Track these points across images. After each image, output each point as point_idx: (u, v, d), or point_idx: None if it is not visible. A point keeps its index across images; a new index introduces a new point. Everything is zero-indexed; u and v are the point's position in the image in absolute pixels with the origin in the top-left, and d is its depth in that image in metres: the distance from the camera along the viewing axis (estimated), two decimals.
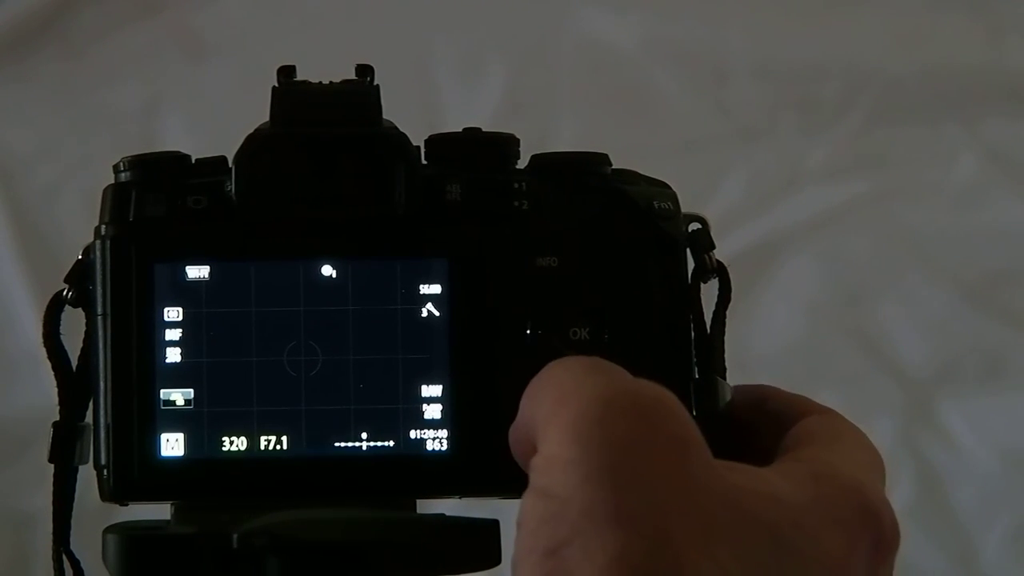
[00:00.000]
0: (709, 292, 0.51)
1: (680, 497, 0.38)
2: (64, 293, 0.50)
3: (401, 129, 0.50)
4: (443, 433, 0.49)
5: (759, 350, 1.11)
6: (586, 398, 0.40)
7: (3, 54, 1.20)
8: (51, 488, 0.51)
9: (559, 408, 0.41)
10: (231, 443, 0.49)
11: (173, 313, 0.49)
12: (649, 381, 0.41)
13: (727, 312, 0.51)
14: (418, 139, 0.50)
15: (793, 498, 0.40)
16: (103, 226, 0.49)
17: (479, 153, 0.50)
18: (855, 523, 0.41)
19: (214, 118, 1.10)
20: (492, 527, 0.47)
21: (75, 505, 0.51)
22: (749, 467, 0.41)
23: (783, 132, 1.20)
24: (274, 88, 0.49)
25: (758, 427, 0.47)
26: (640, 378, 0.42)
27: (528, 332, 0.49)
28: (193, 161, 0.50)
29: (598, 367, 0.42)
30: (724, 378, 0.50)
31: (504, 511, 0.48)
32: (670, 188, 0.51)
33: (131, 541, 0.47)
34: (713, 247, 0.51)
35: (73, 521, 0.51)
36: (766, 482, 0.41)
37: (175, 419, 0.49)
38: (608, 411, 0.40)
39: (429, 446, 0.49)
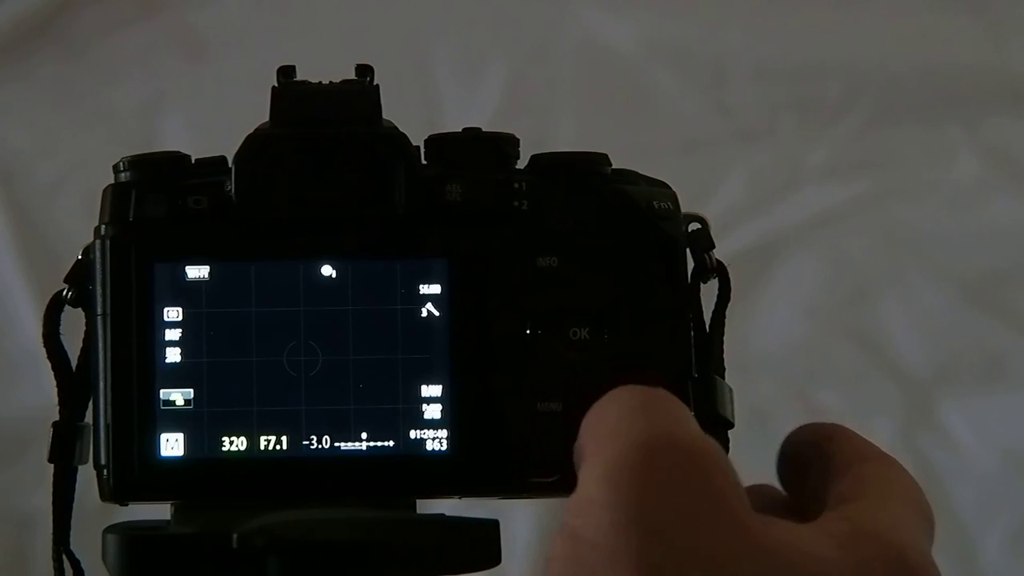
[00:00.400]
0: (709, 292, 0.51)
1: (705, 555, 0.38)
2: (64, 293, 0.50)
3: (401, 129, 0.50)
4: (443, 433, 0.49)
5: (759, 350, 1.11)
6: (628, 442, 0.40)
7: (3, 54, 1.20)
8: (51, 488, 0.51)
9: (601, 447, 0.41)
10: (231, 443, 0.49)
11: (173, 313, 0.49)
12: (698, 430, 0.41)
13: (727, 312, 0.51)
14: (418, 139, 0.50)
15: (833, 566, 0.40)
16: (103, 226, 0.49)
17: (479, 153, 0.50)
18: None
19: (214, 118, 1.10)
20: (492, 527, 0.47)
21: (75, 505, 0.51)
22: (789, 524, 0.41)
23: (783, 132, 1.20)
24: (274, 88, 0.49)
25: (815, 465, 0.46)
26: (691, 424, 0.42)
27: (528, 332, 0.49)
28: (193, 161, 0.50)
29: (649, 406, 0.42)
30: (723, 378, 0.50)
31: (504, 511, 0.48)
32: (670, 188, 0.51)
33: (131, 541, 0.47)
34: (713, 247, 0.51)
35: (73, 521, 0.51)
36: (804, 542, 0.40)
37: (175, 419, 0.49)
38: (646, 459, 0.40)
39: (429, 446, 0.49)
